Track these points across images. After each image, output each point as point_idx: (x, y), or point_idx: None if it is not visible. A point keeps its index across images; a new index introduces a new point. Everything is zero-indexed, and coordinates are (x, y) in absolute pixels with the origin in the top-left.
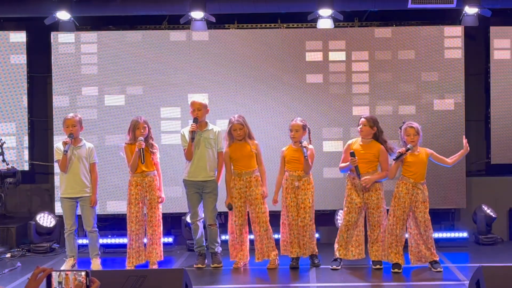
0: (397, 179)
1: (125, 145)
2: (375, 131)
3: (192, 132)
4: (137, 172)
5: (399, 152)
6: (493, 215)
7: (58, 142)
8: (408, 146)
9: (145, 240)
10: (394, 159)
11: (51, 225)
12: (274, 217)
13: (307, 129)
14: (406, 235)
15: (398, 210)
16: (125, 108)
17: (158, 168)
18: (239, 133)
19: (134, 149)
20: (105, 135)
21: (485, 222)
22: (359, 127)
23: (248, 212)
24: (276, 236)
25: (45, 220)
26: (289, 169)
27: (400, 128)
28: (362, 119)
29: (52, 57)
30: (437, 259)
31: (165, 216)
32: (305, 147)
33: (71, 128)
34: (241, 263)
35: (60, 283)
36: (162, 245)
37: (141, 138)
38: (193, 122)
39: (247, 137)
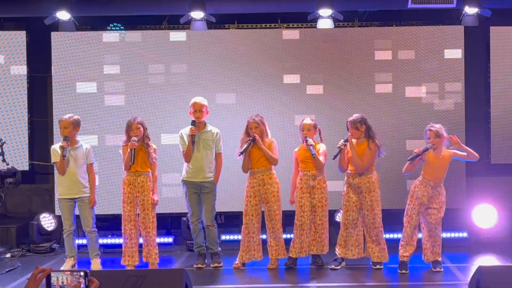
0: (409, 178)
1: (122, 145)
2: (363, 130)
3: (192, 136)
4: (130, 171)
5: (415, 153)
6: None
7: (54, 144)
8: (427, 146)
9: (140, 240)
10: (409, 160)
11: (50, 228)
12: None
13: (318, 128)
14: (419, 235)
15: (412, 210)
16: (125, 108)
17: (155, 170)
18: (255, 132)
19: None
20: (105, 135)
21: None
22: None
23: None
24: (284, 236)
25: (47, 222)
26: (303, 169)
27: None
28: (348, 122)
29: (52, 57)
30: (440, 259)
31: (165, 216)
32: (311, 145)
33: (63, 130)
34: (240, 263)
35: (59, 285)
36: (157, 246)
37: (135, 138)
38: (192, 125)
39: (264, 136)
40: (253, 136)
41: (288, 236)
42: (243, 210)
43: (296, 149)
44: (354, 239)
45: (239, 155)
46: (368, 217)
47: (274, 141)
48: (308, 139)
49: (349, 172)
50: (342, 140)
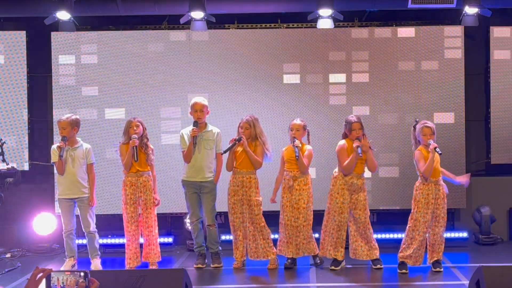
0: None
1: (120, 144)
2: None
3: (194, 137)
4: (132, 171)
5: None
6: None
7: (54, 144)
8: (439, 151)
9: (141, 240)
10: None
11: (48, 233)
12: (273, 217)
13: (306, 129)
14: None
15: (417, 213)
16: (125, 108)
17: (153, 170)
18: (244, 133)
19: (128, 148)
20: (105, 135)
21: (489, 221)
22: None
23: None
24: (276, 236)
25: (43, 226)
26: (287, 168)
27: (414, 127)
28: (358, 123)
29: (52, 57)
30: (440, 259)
31: (165, 216)
32: (297, 146)
33: (61, 130)
34: (240, 263)
35: (60, 286)
36: (159, 245)
37: (135, 136)
38: (194, 126)
39: (254, 138)
40: (240, 136)
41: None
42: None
43: (284, 149)
44: (343, 240)
45: (222, 154)
46: (360, 216)
47: (262, 146)
48: (295, 140)
49: (353, 173)
50: (357, 140)
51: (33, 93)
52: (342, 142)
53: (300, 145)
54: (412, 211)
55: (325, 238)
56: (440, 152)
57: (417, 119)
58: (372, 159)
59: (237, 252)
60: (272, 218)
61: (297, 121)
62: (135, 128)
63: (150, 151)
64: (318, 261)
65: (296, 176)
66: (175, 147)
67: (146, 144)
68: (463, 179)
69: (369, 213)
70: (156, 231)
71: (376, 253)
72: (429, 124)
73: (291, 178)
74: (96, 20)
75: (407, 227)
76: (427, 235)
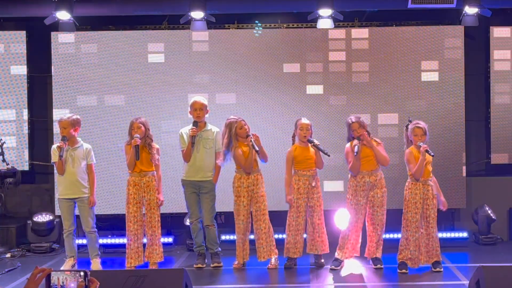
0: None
1: (125, 145)
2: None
3: (193, 137)
4: (135, 171)
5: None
6: (493, 217)
7: (55, 144)
8: (431, 153)
9: (144, 240)
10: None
11: (50, 218)
12: (275, 216)
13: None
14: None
15: (408, 213)
16: (125, 108)
17: (159, 170)
18: (246, 129)
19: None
20: (105, 135)
21: (486, 222)
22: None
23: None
24: (276, 236)
25: (42, 217)
26: (301, 169)
27: (406, 127)
28: (359, 122)
29: (52, 57)
30: (440, 259)
31: (165, 216)
32: (318, 144)
33: (62, 130)
34: (241, 264)
35: (60, 285)
36: (162, 246)
37: (137, 135)
38: (193, 125)
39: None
40: (249, 135)
41: (280, 236)
42: (234, 210)
43: (291, 149)
44: (354, 240)
45: (258, 153)
46: (377, 213)
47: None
48: (312, 140)
49: (363, 171)
50: (356, 139)
51: (33, 93)
52: (347, 144)
53: (318, 143)
54: (403, 211)
55: (344, 242)
56: (432, 154)
57: (411, 119)
58: (380, 154)
59: (244, 253)
60: (274, 218)
61: (306, 121)
62: (136, 129)
63: (155, 151)
64: (322, 261)
65: (313, 175)
66: (175, 147)
67: (149, 144)
68: (442, 204)
69: (385, 212)
70: (160, 231)
71: (380, 252)
72: (421, 124)
73: (310, 178)
74: (96, 20)
75: (402, 228)
76: (418, 234)
